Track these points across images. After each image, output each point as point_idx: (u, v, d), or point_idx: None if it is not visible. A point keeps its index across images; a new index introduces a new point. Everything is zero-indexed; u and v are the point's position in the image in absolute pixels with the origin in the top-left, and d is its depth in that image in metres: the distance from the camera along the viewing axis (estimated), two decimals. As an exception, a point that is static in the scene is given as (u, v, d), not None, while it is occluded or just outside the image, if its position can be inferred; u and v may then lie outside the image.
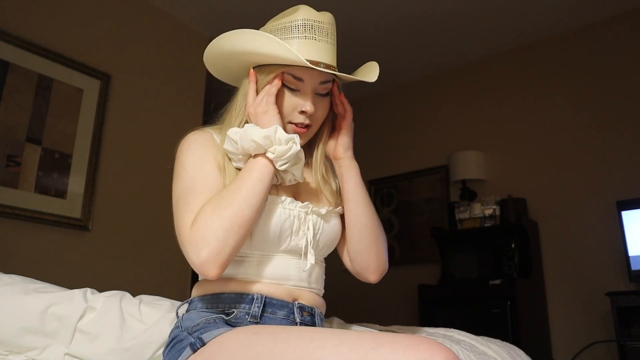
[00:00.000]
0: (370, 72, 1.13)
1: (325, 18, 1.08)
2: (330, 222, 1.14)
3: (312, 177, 1.18)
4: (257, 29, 1.09)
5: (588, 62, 3.42)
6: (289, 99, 1.08)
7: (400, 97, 4.26)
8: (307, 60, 1.02)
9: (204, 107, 3.50)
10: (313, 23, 1.05)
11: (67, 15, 2.87)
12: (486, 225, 3.34)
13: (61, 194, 2.69)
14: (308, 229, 1.08)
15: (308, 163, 1.18)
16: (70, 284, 1.38)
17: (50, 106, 2.71)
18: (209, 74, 3.91)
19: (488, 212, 3.34)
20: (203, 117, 3.47)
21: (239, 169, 1.06)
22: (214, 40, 1.11)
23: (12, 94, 2.57)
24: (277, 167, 1.02)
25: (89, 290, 1.24)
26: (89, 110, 2.86)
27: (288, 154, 1.00)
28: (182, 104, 3.37)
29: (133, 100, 3.11)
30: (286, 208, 1.07)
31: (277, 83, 1.06)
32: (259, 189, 1.00)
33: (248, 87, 1.10)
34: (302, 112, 1.08)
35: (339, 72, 1.11)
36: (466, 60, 3.96)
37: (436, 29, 3.55)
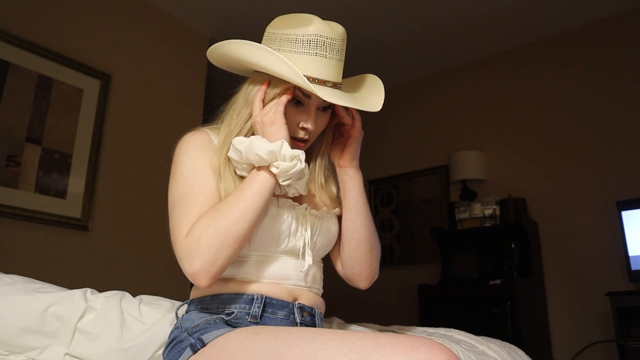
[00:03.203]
0: (374, 97, 1.12)
1: (337, 34, 1.05)
2: (328, 223, 1.15)
3: (311, 182, 1.17)
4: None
5: (588, 62, 3.42)
6: (292, 113, 1.07)
7: (400, 97, 4.26)
8: (315, 79, 1.02)
9: (204, 107, 3.50)
10: (326, 40, 1.03)
11: (67, 15, 2.87)
12: (486, 225, 3.34)
13: (61, 194, 2.69)
14: (306, 230, 1.09)
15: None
16: (70, 284, 1.38)
17: (50, 106, 2.71)
18: (209, 75, 3.83)
19: (488, 212, 3.34)
20: (203, 117, 3.47)
21: (242, 177, 1.05)
22: (224, 42, 1.08)
23: (12, 94, 2.57)
24: (279, 182, 1.01)
25: (89, 290, 1.24)
26: (89, 110, 2.86)
27: (292, 171, 0.99)
28: (182, 104, 3.37)
29: (133, 100, 3.11)
30: (285, 209, 1.07)
31: (287, 95, 1.05)
32: (258, 204, 0.99)
33: (255, 97, 1.07)
34: (303, 128, 1.08)
35: (343, 78, 1.10)
36: (466, 60, 3.95)
37: (435, 30, 3.55)
